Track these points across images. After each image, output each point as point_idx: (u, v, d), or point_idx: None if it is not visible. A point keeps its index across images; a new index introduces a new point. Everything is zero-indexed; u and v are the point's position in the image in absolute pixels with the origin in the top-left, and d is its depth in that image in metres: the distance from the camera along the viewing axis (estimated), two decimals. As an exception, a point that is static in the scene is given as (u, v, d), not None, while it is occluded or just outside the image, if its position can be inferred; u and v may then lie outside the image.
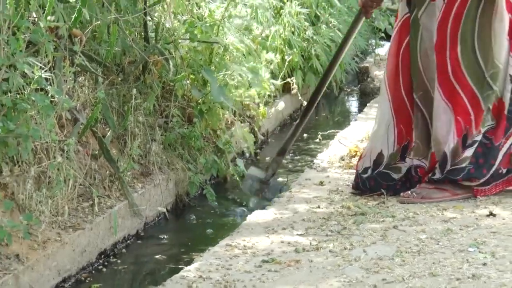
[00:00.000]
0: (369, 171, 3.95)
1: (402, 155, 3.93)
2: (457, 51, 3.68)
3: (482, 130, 3.72)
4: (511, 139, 3.76)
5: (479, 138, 3.73)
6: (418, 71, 3.85)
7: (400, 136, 3.92)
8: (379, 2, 4.06)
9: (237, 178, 4.56)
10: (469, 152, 3.73)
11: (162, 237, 3.96)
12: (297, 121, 4.42)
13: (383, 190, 3.88)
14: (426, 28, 3.80)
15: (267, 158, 4.68)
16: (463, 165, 3.73)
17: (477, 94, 3.69)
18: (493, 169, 3.75)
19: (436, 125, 3.79)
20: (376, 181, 3.94)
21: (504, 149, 3.76)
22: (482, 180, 3.76)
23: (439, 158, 3.78)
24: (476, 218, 3.53)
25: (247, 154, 5.02)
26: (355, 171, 4.09)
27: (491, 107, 3.71)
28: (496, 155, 3.74)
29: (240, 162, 4.58)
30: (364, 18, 4.07)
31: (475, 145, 3.73)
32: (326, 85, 4.41)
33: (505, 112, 3.71)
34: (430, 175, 3.82)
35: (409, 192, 3.82)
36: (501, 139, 3.74)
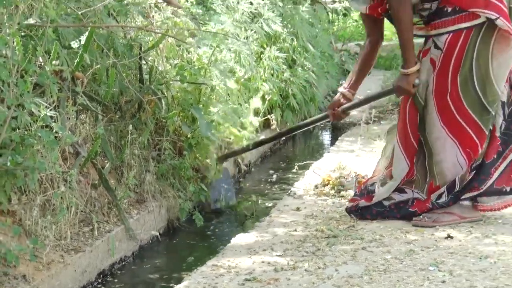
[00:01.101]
0: (379, 206, 3.94)
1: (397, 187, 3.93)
2: (458, 92, 3.67)
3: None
4: (508, 159, 3.75)
5: (479, 162, 3.74)
6: (421, 115, 3.84)
7: (408, 173, 3.92)
8: (347, 116, 4.29)
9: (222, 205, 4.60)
10: (472, 174, 3.74)
11: (155, 258, 3.95)
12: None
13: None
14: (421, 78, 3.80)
15: (248, 184, 4.67)
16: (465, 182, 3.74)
17: (479, 123, 3.68)
18: (488, 183, 3.72)
19: (441, 159, 3.76)
20: (367, 207, 3.94)
21: (501, 169, 3.74)
22: (475, 193, 3.73)
23: (444, 187, 3.75)
24: (436, 240, 3.53)
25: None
26: (350, 201, 4.08)
27: (491, 128, 3.72)
28: (488, 171, 3.72)
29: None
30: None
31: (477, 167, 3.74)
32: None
33: (496, 133, 3.71)
34: (435, 199, 3.79)
35: (421, 216, 3.79)
36: (492, 157, 3.72)
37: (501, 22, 3.56)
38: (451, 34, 3.67)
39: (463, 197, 3.76)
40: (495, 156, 3.72)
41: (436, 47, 3.73)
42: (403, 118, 3.91)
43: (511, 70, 3.69)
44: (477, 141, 3.69)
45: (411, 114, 3.86)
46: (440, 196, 3.77)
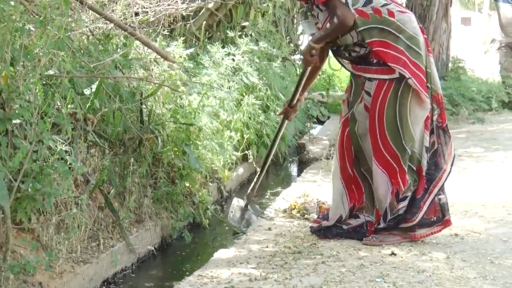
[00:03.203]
0: (335, 229, 3.94)
1: (350, 214, 3.92)
2: (385, 131, 3.68)
3: (412, 189, 3.71)
4: (432, 194, 3.73)
5: (409, 194, 3.71)
6: (361, 152, 3.85)
7: (350, 201, 3.91)
8: (295, 110, 4.22)
9: (207, 225, 4.57)
10: (402, 204, 3.70)
11: (151, 269, 3.91)
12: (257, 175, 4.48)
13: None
14: (360, 121, 3.81)
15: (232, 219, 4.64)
16: (401, 212, 3.71)
17: (401, 159, 3.67)
18: (419, 216, 3.71)
19: (377, 188, 3.76)
20: (329, 228, 3.93)
21: (428, 202, 3.72)
22: (409, 224, 3.72)
23: (382, 212, 3.75)
24: (382, 257, 3.53)
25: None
26: (315, 223, 4.07)
27: (414, 168, 3.70)
28: (418, 205, 3.70)
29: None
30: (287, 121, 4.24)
31: (407, 199, 3.71)
32: (271, 158, 4.47)
33: (423, 173, 3.70)
34: (376, 225, 3.79)
35: (370, 237, 3.78)
36: (421, 193, 3.71)
37: (412, 81, 3.58)
38: (377, 81, 3.67)
39: (400, 226, 3.75)
40: (423, 192, 3.72)
41: (367, 93, 3.74)
42: (341, 157, 3.93)
43: (429, 117, 3.70)
44: (399, 175, 3.69)
45: (348, 153, 3.89)
46: (379, 223, 3.78)
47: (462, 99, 9.35)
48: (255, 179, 4.51)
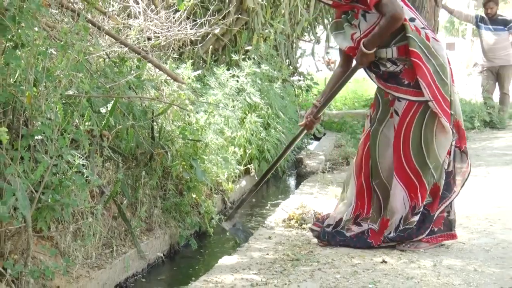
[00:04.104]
0: (330, 228, 3.91)
1: (354, 221, 3.88)
2: (409, 150, 3.65)
3: (424, 204, 3.70)
4: (439, 210, 3.74)
5: (421, 209, 3.70)
6: (376, 167, 3.82)
7: (356, 210, 3.88)
8: (319, 121, 4.10)
9: (212, 234, 4.56)
10: (415, 218, 3.69)
11: (160, 274, 3.91)
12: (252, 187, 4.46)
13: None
14: (385, 135, 3.77)
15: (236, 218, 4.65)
16: (411, 226, 3.70)
17: (423, 178, 3.65)
18: (429, 229, 3.73)
19: (392, 201, 3.73)
20: (332, 235, 3.89)
21: (435, 214, 3.74)
22: (420, 237, 3.72)
23: (395, 223, 3.74)
24: (374, 264, 3.52)
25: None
26: (314, 226, 4.01)
27: (431, 188, 3.69)
28: (431, 220, 3.72)
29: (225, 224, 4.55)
30: (305, 131, 4.10)
31: (419, 214, 3.70)
32: (273, 170, 4.42)
33: (440, 193, 3.70)
34: (386, 234, 3.76)
35: (403, 244, 3.76)
36: (436, 211, 3.72)
37: (432, 104, 3.54)
38: (407, 102, 3.64)
39: (416, 239, 3.74)
40: (436, 211, 3.74)
41: (396, 113, 3.71)
42: (359, 168, 3.89)
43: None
44: (419, 190, 3.68)
45: (365, 166, 3.86)
46: (390, 233, 3.76)
47: (447, 118, 9.37)
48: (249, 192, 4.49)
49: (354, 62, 3.79)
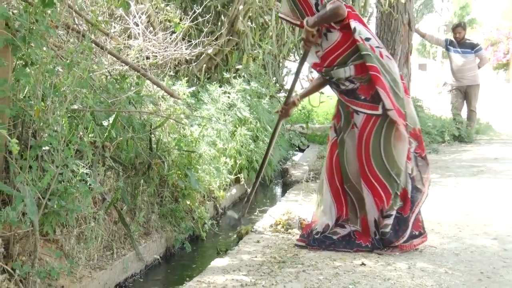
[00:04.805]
0: (318, 234, 3.90)
1: (336, 223, 3.89)
2: (371, 160, 3.68)
3: (396, 208, 3.70)
4: (415, 213, 3.75)
5: (393, 213, 3.70)
6: (346, 173, 3.83)
7: (337, 213, 3.90)
8: (292, 107, 4.13)
9: (204, 238, 4.54)
10: (388, 221, 3.70)
11: (157, 275, 3.88)
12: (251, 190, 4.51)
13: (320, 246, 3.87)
14: (349, 145, 3.81)
15: (226, 223, 4.65)
16: (386, 230, 3.71)
17: (386, 184, 3.67)
18: (408, 232, 3.72)
19: (365, 202, 3.76)
20: (321, 240, 3.88)
21: (412, 220, 3.74)
22: (401, 241, 3.72)
23: (370, 224, 3.76)
24: (354, 266, 3.52)
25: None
26: (303, 232, 4.02)
27: (398, 193, 3.69)
28: (407, 223, 3.72)
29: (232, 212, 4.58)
30: (281, 122, 4.17)
31: (392, 217, 3.70)
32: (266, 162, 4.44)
33: (409, 196, 3.71)
34: (374, 235, 3.77)
35: (384, 249, 3.76)
36: (408, 213, 3.72)
37: (392, 113, 3.57)
38: (365, 116, 3.68)
39: (397, 243, 3.74)
40: (409, 213, 3.74)
41: (355, 125, 3.74)
42: (330, 173, 3.91)
43: (409, 148, 3.71)
44: (383, 195, 3.70)
45: (337, 171, 3.88)
46: (376, 234, 3.77)
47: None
48: (251, 190, 4.53)
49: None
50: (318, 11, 3.67)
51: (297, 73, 4.01)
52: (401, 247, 3.76)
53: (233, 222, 4.50)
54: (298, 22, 3.79)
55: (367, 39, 3.62)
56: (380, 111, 3.62)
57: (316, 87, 4.10)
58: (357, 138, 3.73)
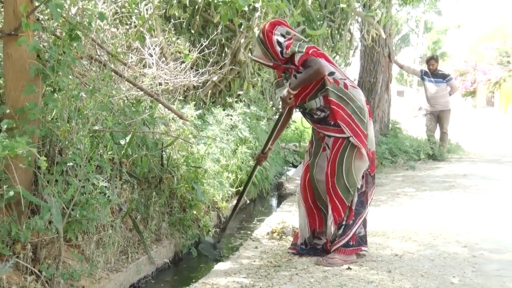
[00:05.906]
0: (303, 246, 3.89)
1: (313, 236, 3.88)
2: (334, 178, 3.69)
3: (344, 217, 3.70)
4: (357, 226, 3.70)
5: (344, 222, 3.70)
6: (317, 191, 3.80)
7: (311, 227, 3.88)
8: (266, 156, 4.10)
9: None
10: (340, 231, 3.69)
11: (166, 276, 3.86)
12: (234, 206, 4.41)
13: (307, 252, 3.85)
14: (319, 166, 3.78)
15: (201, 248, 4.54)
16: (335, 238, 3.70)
17: (343, 198, 3.66)
18: (346, 239, 3.67)
19: (328, 217, 3.74)
20: (308, 251, 3.86)
21: (353, 231, 3.70)
22: (343, 242, 3.67)
23: (330, 237, 3.74)
24: (341, 270, 3.51)
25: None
26: (291, 244, 4.01)
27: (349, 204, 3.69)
28: (348, 231, 3.69)
29: (209, 238, 4.47)
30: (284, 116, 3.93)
31: (342, 227, 3.70)
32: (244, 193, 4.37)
33: (353, 207, 3.69)
34: (329, 245, 3.75)
35: (321, 259, 3.70)
36: (350, 222, 3.69)
37: (352, 139, 3.60)
38: (333, 138, 3.69)
39: (335, 247, 3.70)
40: (351, 221, 3.71)
41: (328, 147, 3.73)
42: (304, 193, 3.89)
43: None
44: (340, 208, 3.68)
45: (310, 191, 3.86)
46: (331, 243, 3.74)
47: (399, 151, 9.43)
48: (229, 216, 4.42)
49: (292, 111, 3.98)
50: (283, 57, 3.69)
51: (275, 127, 3.93)
52: (339, 251, 3.70)
53: (208, 248, 4.39)
54: (271, 64, 3.80)
55: (331, 74, 3.65)
56: (346, 134, 3.64)
57: (282, 127, 4.04)
58: (329, 158, 3.73)
